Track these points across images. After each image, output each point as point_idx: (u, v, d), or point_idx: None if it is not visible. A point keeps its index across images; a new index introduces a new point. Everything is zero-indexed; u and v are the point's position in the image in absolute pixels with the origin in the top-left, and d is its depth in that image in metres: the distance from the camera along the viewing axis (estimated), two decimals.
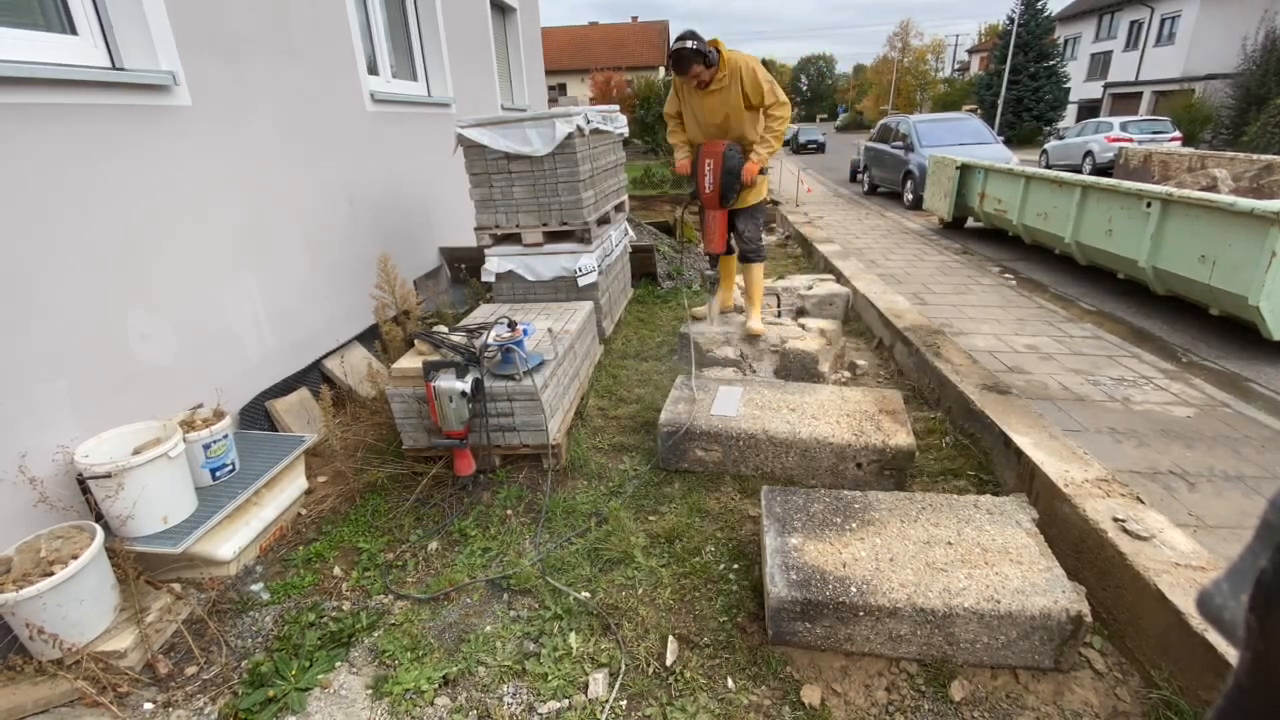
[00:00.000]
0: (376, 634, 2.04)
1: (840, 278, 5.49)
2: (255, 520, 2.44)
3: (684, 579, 2.19)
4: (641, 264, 5.80)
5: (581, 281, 4.05)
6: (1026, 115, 29.60)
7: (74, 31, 2.38)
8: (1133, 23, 27.87)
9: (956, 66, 55.93)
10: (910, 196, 10.58)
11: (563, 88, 35.92)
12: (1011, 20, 29.68)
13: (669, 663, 1.86)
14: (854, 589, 1.80)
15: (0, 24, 2.14)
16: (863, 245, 7.59)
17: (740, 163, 3.55)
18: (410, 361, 2.81)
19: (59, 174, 2.19)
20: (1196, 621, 1.63)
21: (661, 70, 35.09)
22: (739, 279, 4.42)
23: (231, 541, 2.31)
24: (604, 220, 4.50)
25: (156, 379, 2.55)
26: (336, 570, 2.35)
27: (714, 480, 2.77)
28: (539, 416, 2.75)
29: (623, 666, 1.85)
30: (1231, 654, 1.51)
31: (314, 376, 3.56)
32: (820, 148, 28.77)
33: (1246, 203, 3.71)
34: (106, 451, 2.17)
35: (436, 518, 2.61)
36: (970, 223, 8.45)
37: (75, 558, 1.85)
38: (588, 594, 2.14)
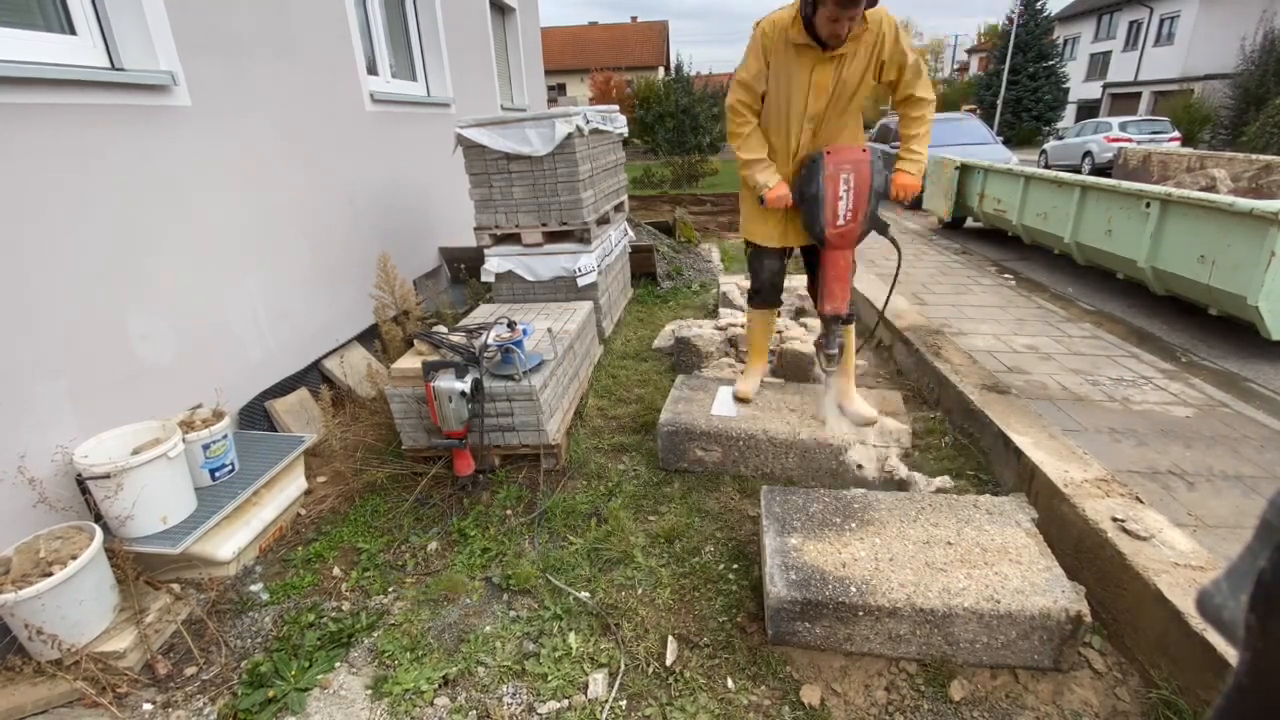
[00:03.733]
0: (376, 634, 2.04)
1: None
2: (255, 520, 2.43)
3: (684, 579, 2.19)
4: (641, 264, 5.80)
5: (581, 282, 4.05)
6: (1025, 115, 29.60)
7: (73, 31, 2.38)
8: (1132, 23, 27.89)
9: (955, 67, 55.95)
10: None
11: (562, 88, 35.93)
12: (1011, 20, 29.70)
13: (669, 663, 1.86)
14: (853, 589, 1.80)
15: (0, 24, 2.14)
16: (861, 245, 7.57)
17: (887, 177, 2.49)
18: (410, 361, 2.81)
19: (58, 174, 2.18)
20: (1196, 621, 1.63)
21: (661, 70, 35.06)
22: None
23: (231, 542, 2.31)
24: (603, 220, 4.50)
25: (156, 379, 2.55)
26: (336, 570, 2.35)
27: (714, 480, 2.77)
28: (538, 416, 2.75)
29: (622, 666, 1.85)
30: (1231, 654, 1.51)
31: (313, 376, 3.56)
32: None
33: (1245, 203, 3.71)
34: (106, 452, 2.16)
35: (436, 518, 2.61)
36: (969, 223, 8.45)
37: (74, 558, 1.85)
38: (587, 594, 2.14)
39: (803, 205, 2.52)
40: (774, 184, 2.52)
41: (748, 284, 5.35)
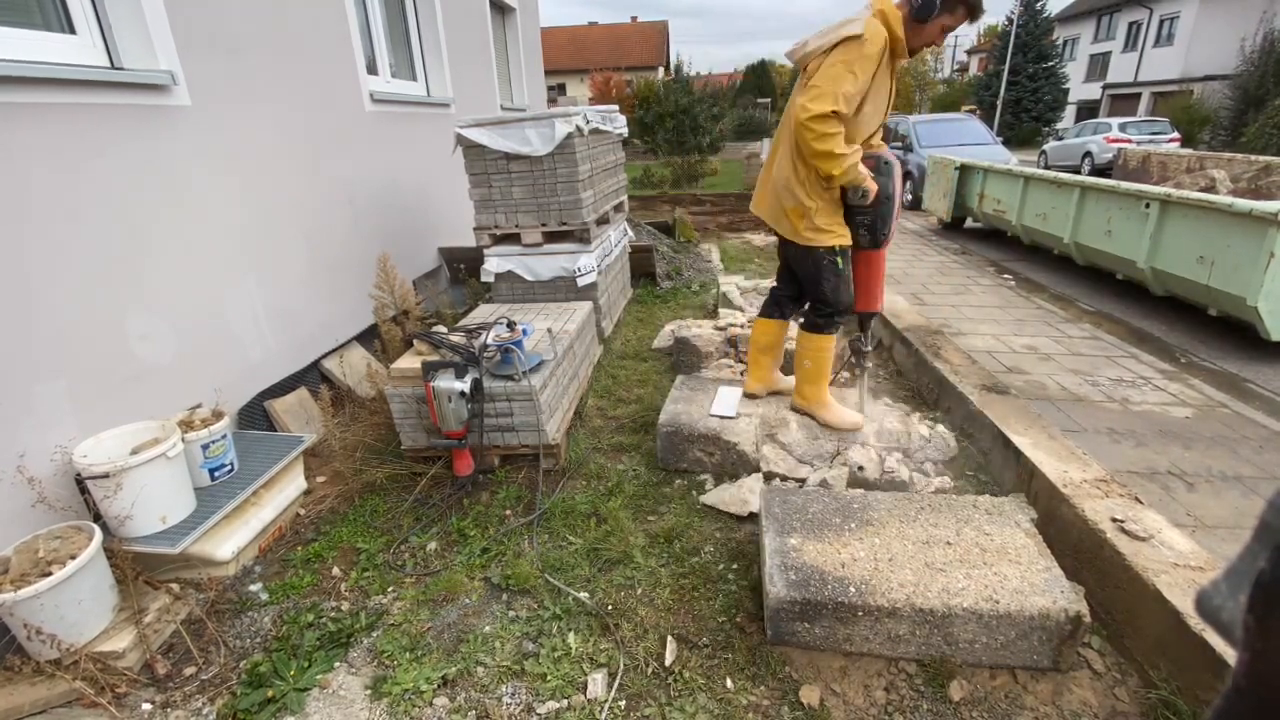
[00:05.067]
0: (375, 634, 2.04)
1: None
2: (254, 520, 2.43)
3: (683, 579, 2.19)
4: (640, 264, 5.80)
5: (580, 282, 4.05)
6: (1025, 116, 29.60)
7: (73, 31, 2.38)
8: (1131, 24, 27.92)
9: (955, 67, 55.94)
10: (909, 197, 10.58)
11: (562, 88, 35.94)
12: (1010, 21, 29.71)
13: (668, 663, 1.86)
14: (853, 589, 1.80)
15: (0, 23, 2.14)
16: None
17: None
18: (409, 361, 2.81)
19: (58, 173, 2.18)
20: (1195, 621, 1.63)
21: (661, 70, 35.04)
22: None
23: (230, 542, 2.31)
24: (603, 220, 4.50)
25: (156, 379, 2.55)
26: (335, 570, 2.35)
27: (713, 480, 2.77)
28: (538, 416, 2.75)
29: (622, 666, 1.85)
30: (1229, 654, 1.51)
31: (313, 376, 3.56)
32: None
33: (1245, 203, 3.71)
34: (105, 451, 2.16)
35: (436, 518, 2.61)
36: (969, 223, 8.45)
37: (73, 558, 1.85)
38: (587, 594, 2.14)
39: (882, 206, 2.51)
40: (869, 173, 2.46)
41: (749, 284, 5.36)
